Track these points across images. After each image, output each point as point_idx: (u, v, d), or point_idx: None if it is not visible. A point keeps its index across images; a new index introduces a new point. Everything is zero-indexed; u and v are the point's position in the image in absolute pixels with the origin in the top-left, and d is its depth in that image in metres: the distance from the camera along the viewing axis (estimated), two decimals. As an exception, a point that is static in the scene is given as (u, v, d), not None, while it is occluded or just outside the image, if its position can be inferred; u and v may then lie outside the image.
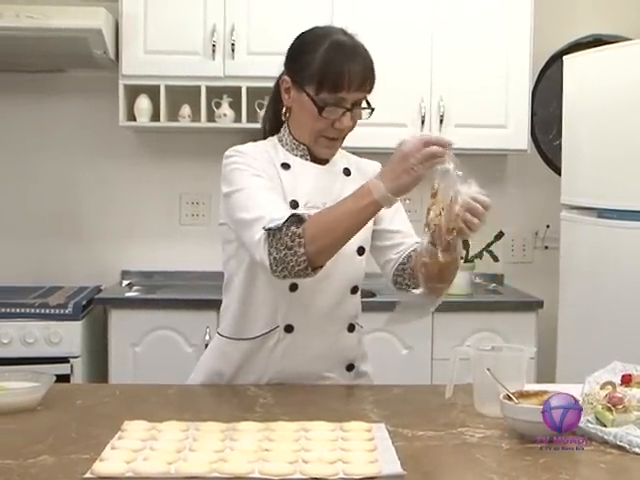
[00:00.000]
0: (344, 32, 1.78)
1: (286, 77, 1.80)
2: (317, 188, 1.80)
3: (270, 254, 1.63)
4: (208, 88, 3.42)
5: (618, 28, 3.68)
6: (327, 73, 1.71)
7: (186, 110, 3.51)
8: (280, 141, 1.85)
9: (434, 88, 3.45)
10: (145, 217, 3.74)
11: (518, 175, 3.85)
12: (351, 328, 1.87)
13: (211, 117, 3.47)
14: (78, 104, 3.68)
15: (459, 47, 3.45)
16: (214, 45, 3.37)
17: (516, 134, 3.49)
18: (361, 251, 1.83)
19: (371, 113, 1.80)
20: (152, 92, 3.44)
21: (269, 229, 1.62)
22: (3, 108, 3.68)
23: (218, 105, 3.48)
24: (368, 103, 1.79)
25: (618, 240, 2.86)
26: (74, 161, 3.71)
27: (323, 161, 1.84)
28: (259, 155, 1.80)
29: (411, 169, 1.54)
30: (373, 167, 1.91)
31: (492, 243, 3.55)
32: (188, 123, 3.51)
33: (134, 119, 3.49)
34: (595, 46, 3.31)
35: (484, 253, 3.54)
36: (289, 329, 1.80)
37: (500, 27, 3.46)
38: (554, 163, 3.70)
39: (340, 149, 1.92)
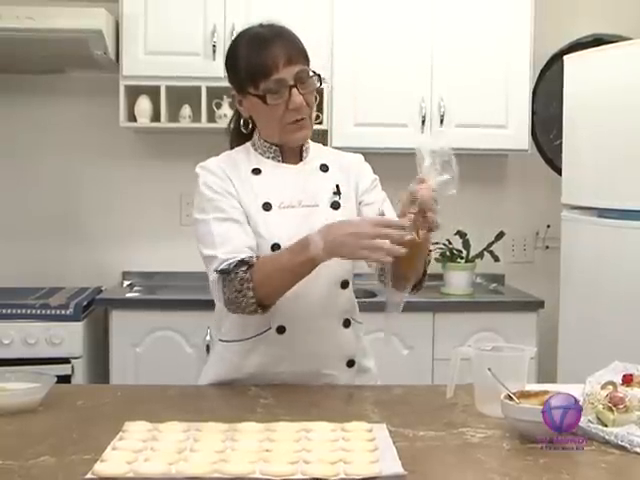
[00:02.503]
0: (261, 25, 1.84)
1: (233, 92, 1.85)
2: (290, 188, 1.82)
3: (224, 294, 1.73)
4: (208, 89, 3.42)
5: (618, 28, 3.68)
6: (252, 67, 1.76)
7: (187, 111, 3.51)
8: (253, 146, 1.88)
9: (434, 88, 3.45)
10: (146, 218, 3.75)
11: (519, 175, 3.85)
12: (347, 324, 1.87)
13: (212, 118, 3.47)
14: (79, 105, 3.68)
15: (459, 47, 3.45)
16: (214, 46, 3.37)
17: (517, 134, 3.49)
18: None
19: (320, 80, 1.80)
20: (153, 93, 3.45)
21: (221, 271, 1.71)
22: (4, 109, 3.68)
23: (219, 106, 3.48)
24: (314, 72, 1.80)
25: (619, 240, 2.86)
26: (75, 162, 3.72)
27: (296, 161, 1.87)
28: (227, 167, 1.83)
29: (356, 249, 1.57)
30: (353, 160, 1.95)
31: (493, 243, 3.55)
32: (189, 124, 3.51)
33: (135, 120, 3.49)
34: (595, 46, 3.32)
35: (485, 253, 3.54)
36: (281, 330, 1.80)
37: (500, 27, 3.47)
38: (555, 163, 3.70)
39: (320, 145, 1.96)
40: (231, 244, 1.74)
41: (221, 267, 1.71)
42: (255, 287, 1.68)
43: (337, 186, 1.85)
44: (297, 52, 1.78)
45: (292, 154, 1.87)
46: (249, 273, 1.69)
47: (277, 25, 1.84)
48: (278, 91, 1.75)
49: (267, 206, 1.79)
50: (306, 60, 1.80)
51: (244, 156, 1.87)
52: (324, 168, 1.89)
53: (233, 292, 1.70)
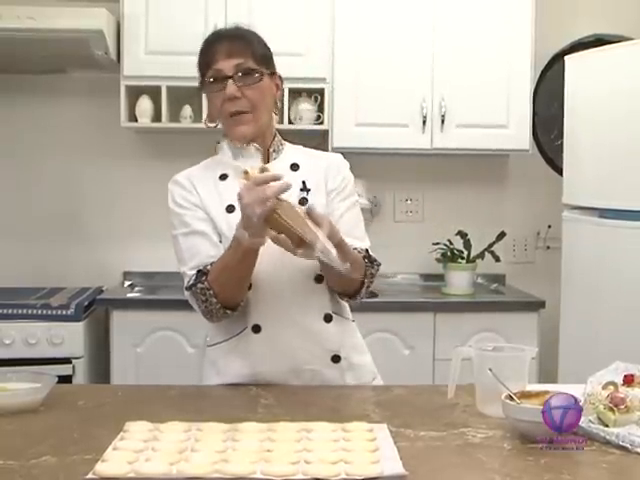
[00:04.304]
0: (230, 26, 1.91)
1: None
2: None
3: (198, 307, 1.81)
4: (209, 89, 3.42)
5: (619, 28, 3.68)
6: (200, 57, 1.87)
7: (187, 111, 3.51)
8: (228, 152, 1.94)
9: (435, 88, 3.45)
10: (147, 218, 3.73)
11: (519, 175, 3.85)
12: (328, 318, 1.86)
13: (212, 118, 3.47)
14: (80, 105, 3.68)
15: (460, 47, 3.45)
16: (215, 45, 3.36)
17: (517, 134, 3.49)
18: None
19: (259, 76, 1.83)
20: (153, 93, 3.44)
21: (188, 287, 1.80)
22: (4, 109, 3.68)
23: (219, 106, 3.48)
24: (258, 69, 1.83)
25: (620, 240, 2.86)
26: (76, 162, 3.71)
27: (264, 162, 1.88)
28: (196, 177, 1.91)
29: (252, 219, 1.58)
30: (329, 159, 1.96)
31: (494, 243, 3.55)
32: (190, 124, 3.51)
33: (135, 120, 3.49)
34: (596, 46, 3.31)
35: (486, 253, 3.54)
36: (256, 329, 1.82)
37: (501, 27, 3.46)
38: (555, 163, 3.69)
39: (300, 147, 1.97)
40: (197, 258, 1.81)
41: (187, 285, 1.81)
42: (215, 293, 1.75)
43: (303, 182, 1.86)
44: (242, 49, 1.83)
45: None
46: (206, 282, 1.76)
47: (240, 27, 1.89)
48: (216, 80, 1.82)
49: (230, 208, 1.83)
50: (251, 53, 1.83)
51: (218, 162, 1.94)
52: (294, 167, 1.90)
53: (201, 303, 1.78)
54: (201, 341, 3.13)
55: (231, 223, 1.79)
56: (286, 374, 1.82)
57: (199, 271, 1.79)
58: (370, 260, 1.86)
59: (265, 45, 1.89)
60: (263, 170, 1.62)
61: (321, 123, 3.45)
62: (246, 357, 1.83)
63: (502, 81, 3.47)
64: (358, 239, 1.87)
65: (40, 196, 3.71)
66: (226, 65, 1.81)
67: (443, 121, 3.43)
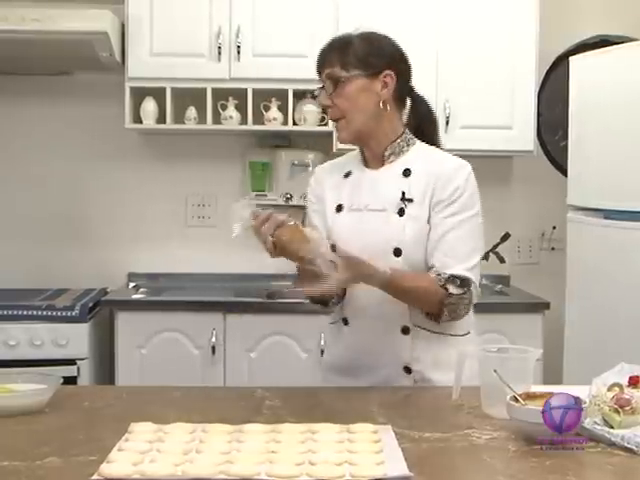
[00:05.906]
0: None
1: None
2: (365, 191, 1.91)
3: None
4: (214, 90, 3.42)
5: (624, 29, 3.67)
6: None
7: (192, 112, 3.51)
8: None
9: (440, 90, 3.44)
10: (151, 219, 3.75)
11: (524, 176, 3.84)
12: (405, 330, 1.86)
13: (217, 119, 3.47)
14: (84, 107, 3.68)
15: (465, 48, 3.44)
16: (220, 47, 3.37)
17: (522, 135, 3.49)
18: (397, 252, 1.83)
19: (343, 82, 1.86)
20: (158, 94, 3.45)
21: None
22: (9, 111, 3.69)
23: (224, 107, 3.48)
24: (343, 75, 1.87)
25: (624, 241, 2.86)
26: (80, 164, 3.72)
27: (379, 165, 1.92)
28: (327, 171, 2.02)
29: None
30: (446, 167, 1.88)
31: (498, 244, 3.54)
32: (194, 125, 3.51)
33: (140, 121, 3.49)
34: (601, 47, 3.31)
35: (490, 254, 3.53)
36: (346, 322, 1.92)
37: (506, 28, 3.46)
38: (560, 164, 3.69)
39: (427, 148, 1.93)
40: None
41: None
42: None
43: (403, 192, 1.85)
44: (332, 57, 1.87)
45: (373, 158, 1.93)
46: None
47: (346, 34, 1.94)
48: (321, 89, 1.89)
49: (339, 208, 1.91)
50: (342, 65, 1.85)
51: (350, 159, 2.00)
52: (407, 173, 1.88)
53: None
54: (205, 342, 3.17)
55: (336, 223, 1.89)
56: (364, 370, 1.88)
57: None
58: (462, 284, 1.82)
59: (370, 45, 1.89)
60: (256, 214, 1.69)
61: (326, 124, 3.45)
62: (339, 342, 1.96)
63: (506, 82, 3.47)
64: (455, 260, 1.82)
65: (44, 197, 3.71)
66: (321, 75, 1.89)
67: (447, 122, 3.43)
